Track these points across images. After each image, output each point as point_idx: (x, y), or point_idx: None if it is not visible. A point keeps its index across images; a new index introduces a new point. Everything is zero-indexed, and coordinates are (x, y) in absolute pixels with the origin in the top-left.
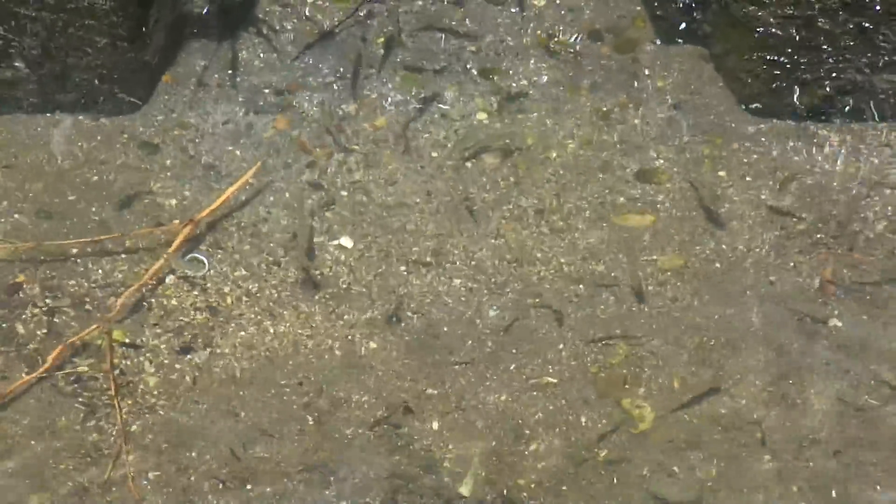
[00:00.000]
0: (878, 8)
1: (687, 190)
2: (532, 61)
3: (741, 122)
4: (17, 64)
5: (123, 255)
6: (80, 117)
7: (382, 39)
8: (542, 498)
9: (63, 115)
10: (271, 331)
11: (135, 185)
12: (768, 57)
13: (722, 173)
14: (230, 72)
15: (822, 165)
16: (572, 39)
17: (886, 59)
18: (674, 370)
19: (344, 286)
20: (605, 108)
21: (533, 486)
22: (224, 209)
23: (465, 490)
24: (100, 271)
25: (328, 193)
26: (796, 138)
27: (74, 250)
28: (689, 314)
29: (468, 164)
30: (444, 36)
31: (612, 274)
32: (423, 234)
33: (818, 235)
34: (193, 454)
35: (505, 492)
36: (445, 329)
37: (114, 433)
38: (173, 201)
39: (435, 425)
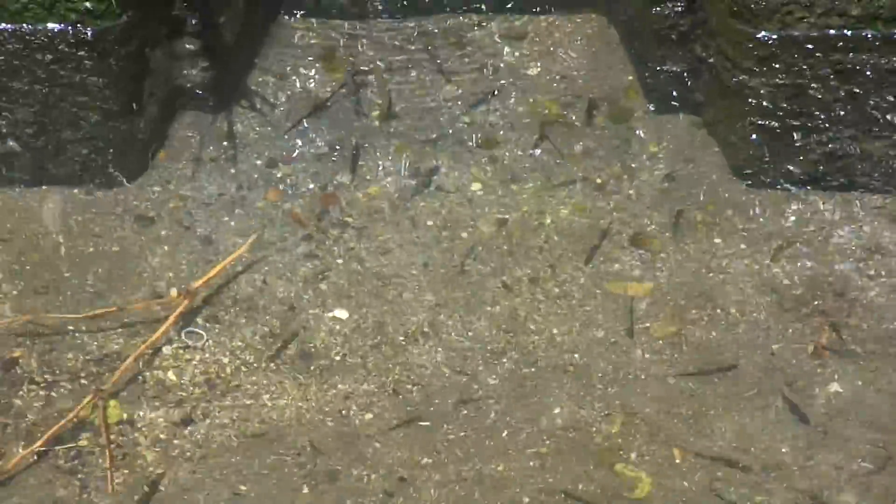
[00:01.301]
0: (869, 74)
1: (683, 259)
2: (526, 130)
3: (735, 189)
4: (10, 138)
5: (120, 328)
6: (75, 190)
7: (376, 110)
8: None
9: (58, 189)
10: (268, 402)
11: (130, 258)
12: (761, 124)
13: (717, 241)
14: (224, 144)
15: (816, 232)
16: (565, 109)
17: (878, 125)
18: (670, 438)
19: (338, 358)
20: (598, 177)
21: None
22: (220, 281)
23: None
24: (95, 344)
25: (323, 264)
26: (790, 205)
27: (70, 325)
28: (685, 382)
29: (463, 234)
30: (437, 106)
31: (608, 342)
32: (419, 305)
33: (813, 302)
34: None
35: None
36: (442, 399)
37: None
38: (169, 274)
39: (432, 494)
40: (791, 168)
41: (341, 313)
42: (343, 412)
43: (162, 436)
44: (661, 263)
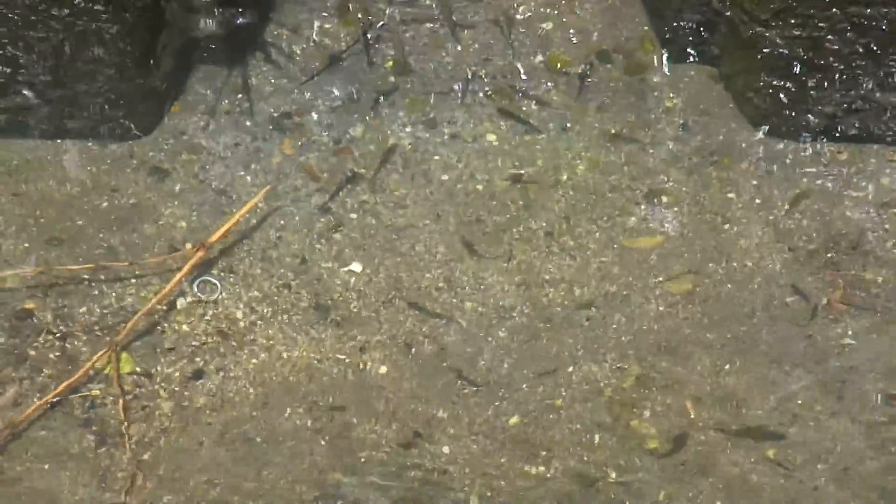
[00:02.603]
0: (885, 28)
1: (698, 212)
2: (541, 83)
3: (750, 142)
4: (25, 91)
5: (134, 280)
6: (90, 143)
7: (391, 63)
8: None
9: (72, 142)
10: (283, 355)
11: (145, 210)
12: (777, 77)
13: (731, 194)
14: (239, 97)
15: (831, 185)
16: (581, 61)
17: (894, 78)
18: (685, 391)
19: (354, 310)
20: (614, 130)
21: None
22: (234, 234)
23: None
24: (111, 296)
25: (336, 217)
26: (805, 158)
27: (85, 276)
28: (700, 334)
29: (478, 187)
30: (452, 60)
31: (625, 293)
32: (433, 258)
33: (828, 255)
34: (206, 479)
35: None
36: (456, 352)
37: (126, 459)
38: (183, 225)
39: (446, 448)
40: (807, 120)
41: (356, 266)
42: (358, 365)
43: (177, 388)
44: (676, 217)
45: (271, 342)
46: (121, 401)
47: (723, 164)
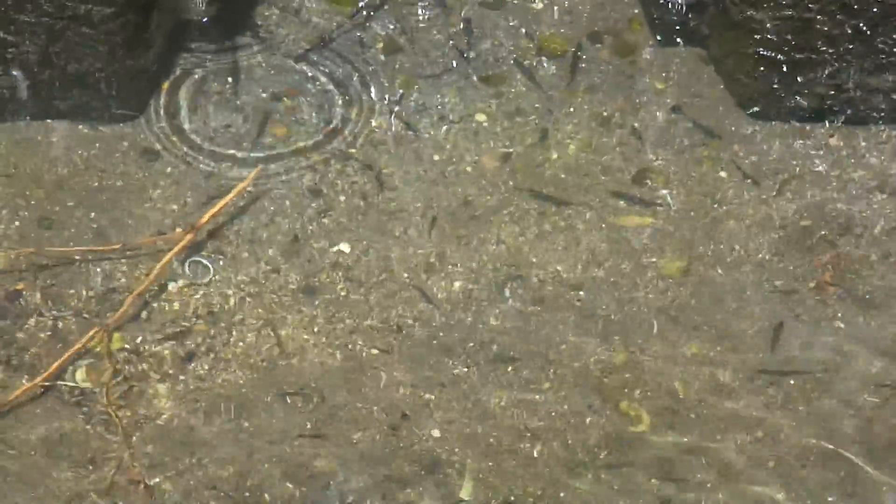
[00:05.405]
0: (875, 10)
1: (688, 194)
2: (531, 64)
3: (740, 123)
4: (15, 71)
5: (124, 262)
6: (80, 125)
7: (381, 44)
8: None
9: (62, 123)
10: (272, 337)
11: (135, 192)
12: (767, 59)
13: (722, 174)
14: (229, 78)
15: (821, 167)
16: (571, 42)
17: (884, 60)
18: (674, 373)
19: (343, 293)
20: (604, 111)
21: (536, 489)
22: (224, 216)
23: (465, 494)
24: (100, 278)
25: (326, 199)
26: (795, 140)
27: (75, 258)
28: (689, 316)
29: (468, 168)
30: (442, 40)
31: (612, 278)
32: (423, 239)
33: (818, 236)
34: (195, 460)
35: (507, 495)
36: (446, 335)
37: (115, 441)
38: (174, 208)
39: (435, 431)
40: (797, 102)
41: (345, 247)
42: (349, 347)
43: (166, 370)
44: (666, 198)
45: (260, 324)
46: (109, 382)
47: (713, 146)
